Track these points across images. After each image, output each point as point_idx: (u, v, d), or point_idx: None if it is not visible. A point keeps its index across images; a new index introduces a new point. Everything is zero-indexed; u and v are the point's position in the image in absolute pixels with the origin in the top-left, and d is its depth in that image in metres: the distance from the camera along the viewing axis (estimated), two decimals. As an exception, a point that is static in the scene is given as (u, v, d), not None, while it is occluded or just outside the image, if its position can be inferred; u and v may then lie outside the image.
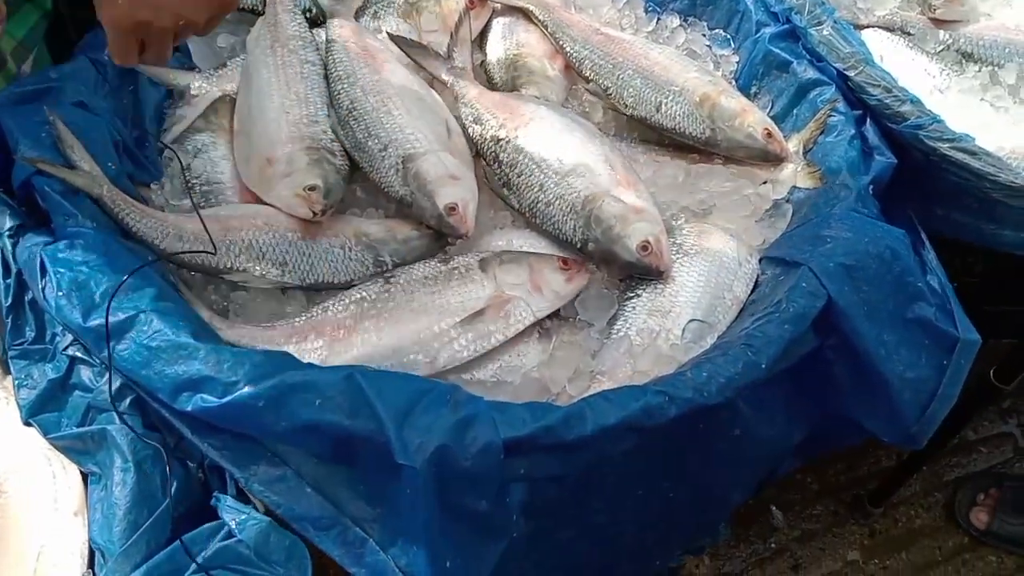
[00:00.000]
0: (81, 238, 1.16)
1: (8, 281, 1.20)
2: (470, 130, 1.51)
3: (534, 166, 1.42)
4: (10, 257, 1.20)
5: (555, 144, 1.44)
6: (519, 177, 1.43)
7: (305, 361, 1.10)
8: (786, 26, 1.57)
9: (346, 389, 1.03)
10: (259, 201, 1.42)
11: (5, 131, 1.26)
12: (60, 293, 1.10)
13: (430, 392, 1.05)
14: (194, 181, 1.47)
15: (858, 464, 2.03)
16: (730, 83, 1.63)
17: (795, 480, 1.97)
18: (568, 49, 1.62)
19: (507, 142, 1.46)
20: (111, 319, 1.07)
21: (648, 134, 1.59)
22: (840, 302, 1.22)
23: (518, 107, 1.51)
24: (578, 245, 1.37)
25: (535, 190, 1.41)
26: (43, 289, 1.13)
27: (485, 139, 1.48)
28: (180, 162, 1.44)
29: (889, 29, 1.74)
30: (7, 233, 1.21)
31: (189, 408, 1.04)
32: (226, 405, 1.02)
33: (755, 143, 1.47)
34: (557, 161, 1.41)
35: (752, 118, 1.47)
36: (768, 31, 1.58)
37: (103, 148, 1.31)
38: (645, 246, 1.31)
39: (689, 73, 1.54)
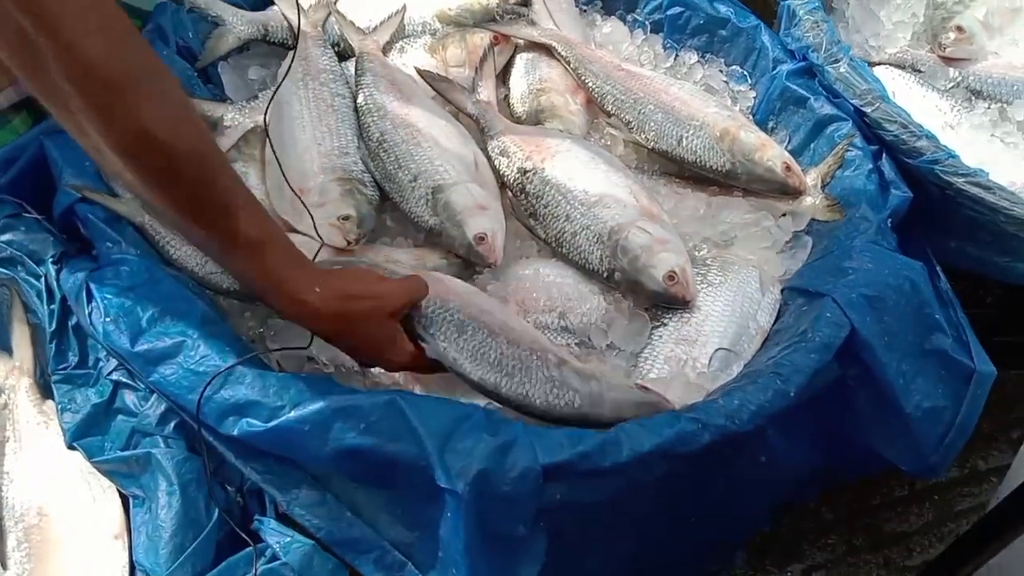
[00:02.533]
0: (126, 264, 1.19)
1: (52, 307, 1.22)
2: (496, 162, 1.55)
3: (560, 197, 1.46)
4: (54, 283, 1.22)
5: (581, 176, 1.47)
6: (545, 208, 1.47)
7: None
8: (803, 63, 1.62)
9: (389, 414, 1.05)
10: (291, 230, 1.46)
11: (50, 160, 1.30)
12: (107, 319, 1.13)
13: (470, 417, 1.08)
14: (227, 210, 1.50)
15: (871, 494, 2.04)
16: (748, 118, 1.68)
17: (809, 509, 1.98)
18: (590, 84, 1.67)
19: (533, 174, 1.49)
20: (158, 344, 1.10)
21: (668, 167, 1.63)
22: (863, 332, 1.25)
23: (543, 140, 1.55)
24: (604, 274, 1.41)
25: (561, 220, 1.45)
26: (89, 315, 1.15)
27: (511, 171, 1.52)
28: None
29: (900, 66, 1.80)
30: (51, 259, 1.24)
31: (235, 432, 1.06)
32: (272, 429, 1.05)
33: (774, 176, 1.51)
34: (583, 192, 1.45)
35: (771, 152, 1.51)
36: (785, 68, 1.63)
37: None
38: (672, 276, 1.35)
39: (709, 108, 1.58)
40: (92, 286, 1.16)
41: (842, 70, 1.53)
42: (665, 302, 1.38)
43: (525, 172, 1.50)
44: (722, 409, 1.13)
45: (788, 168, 1.50)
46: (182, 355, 1.10)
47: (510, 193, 1.52)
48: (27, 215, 1.28)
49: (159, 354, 1.10)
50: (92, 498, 1.20)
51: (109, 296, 1.14)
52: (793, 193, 1.50)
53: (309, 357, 1.28)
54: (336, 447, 1.04)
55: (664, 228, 1.40)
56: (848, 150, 1.50)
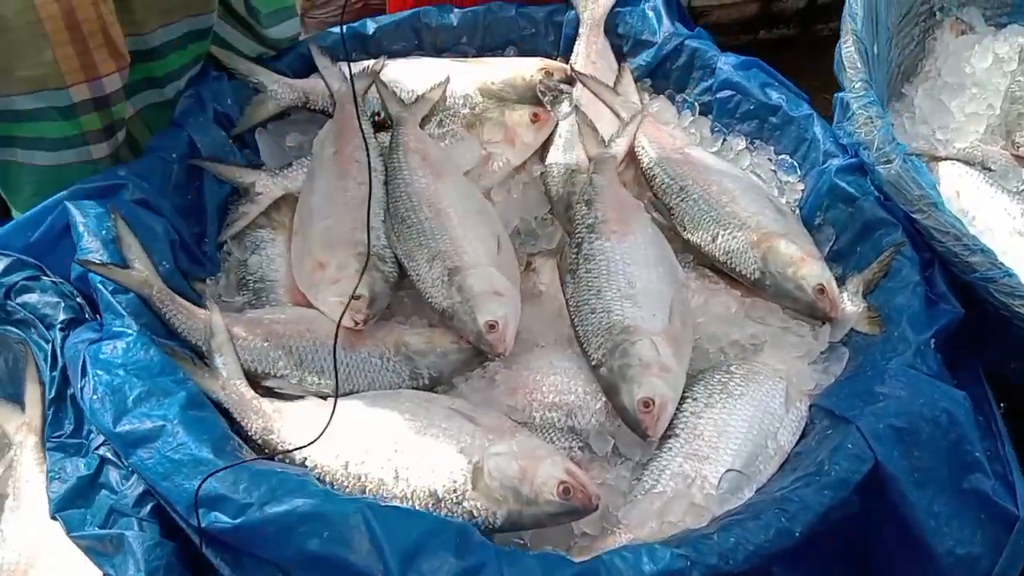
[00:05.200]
0: (123, 339, 1.19)
1: (54, 374, 1.23)
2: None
3: (596, 285, 1.40)
4: (59, 350, 1.24)
5: (624, 268, 1.41)
6: (576, 295, 1.42)
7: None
8: (854, 159, 1.52)
9: (355, 524, 1.01)
10: (308, 303, 1.45)
11: (71, 224, 1.32)
12: (95, 396, 1.13)
13: (440, 534, 1.03)
14: (248, 277, 1.50)
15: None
16: (794, 211, 1.59)
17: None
18: (643, 160, 1.61)
19: (580, 257, 1.45)
20: (139, 426, 1.10)
21: (705, 259, 1.55)
22: (889, 467, 1.16)
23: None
24: (594, 364, 1.34)
25: (585, 311, 1.39)
26: (81, 389, 1.16)
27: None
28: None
29: (968, 163, 1.68)
30: (59, 326, 1.26)
31: (204, 525, 1.04)
32: (238, 527, 1.03)
33: (803, 296, 1.41)
34: (623, 284, 1.39)
35: (807, 270, 1.42)
36: (835, 163, 1.53)
37: (159, 247, 1.36)
38: (647, 404, 1.26)
39: (757, 208, 1.50)
40: (88, 360, 1.17)
41: (893, 172, 1.42)
42: (630, 425, 1.30)
43: (578, 250, 1.46)
44: (716, 547, 1.05)
45: (822, 291, 1.40)
46: (160, 440, 1.09)
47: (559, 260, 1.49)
48: (45, 278, 1.31)
49: (139, 436, 1.09)
50: (73, 564, 1.20)
51: (100, 372, 1.14)
52: (822, 318, 1.41)
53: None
54: (298, 553, 1.01)
55: (675, 357, 1.31)
56: (895, 258, 1.40)
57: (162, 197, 1.43)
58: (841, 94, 1.54)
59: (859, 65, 1.53)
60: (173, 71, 1.57)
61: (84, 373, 1.16)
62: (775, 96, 1.64)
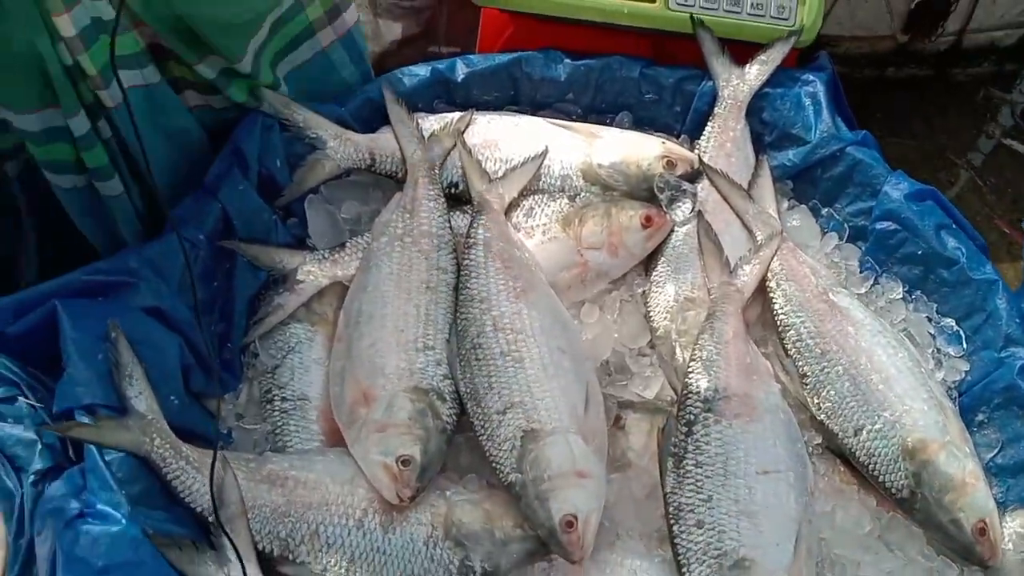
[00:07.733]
0: (108, 527, 0.93)
1: (20, 542, 0.97)
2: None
3: (705, 489, 1.12)
4: (27, 513, 0.97)
5: (745, 470, 1.13)
6: (675, 494, 1.14)
7: None
8: (1046, 358, 1.20)
9: None
10: (342, 439, 1.17)
11: (60, 332, 1.04)
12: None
13: None
14: (276, 392, 1.23)
15: None
16: (951, 395, 1.28)
17: None
18: (777, 302, 1.30)
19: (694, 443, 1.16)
20: None
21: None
22: None
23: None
24: None
25: (690, 520, 1.11)
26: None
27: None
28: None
29: None
30: (32, 476, 0.99)
31: None
32: None
33: (960, 535, 1.13)
34: (742, 492, 1.11)
35: (969, 499, 1.13)
36: (1020, 354, 1.22)
37: (170, 375, 1.09)
38: None
39: (915, 401, 1.19)
40: (60, 553, 0.91)
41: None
42: None
43: (688, 429, 1.17)
44: None
45: (983, 531, 1.11)
46: None
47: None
48: (22, 399, 1.03)
49: None
50: None
51: (72, 578, 0.88)
52: (977, 563, 1.13)
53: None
54: None
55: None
56: (1089, 514, 1.11)
57: (179, 296, 1.14)
58: (1046, 271, 1.21)
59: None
60: None
61: (53, 570, 0.91)
62: (951, 244, 1.31)
